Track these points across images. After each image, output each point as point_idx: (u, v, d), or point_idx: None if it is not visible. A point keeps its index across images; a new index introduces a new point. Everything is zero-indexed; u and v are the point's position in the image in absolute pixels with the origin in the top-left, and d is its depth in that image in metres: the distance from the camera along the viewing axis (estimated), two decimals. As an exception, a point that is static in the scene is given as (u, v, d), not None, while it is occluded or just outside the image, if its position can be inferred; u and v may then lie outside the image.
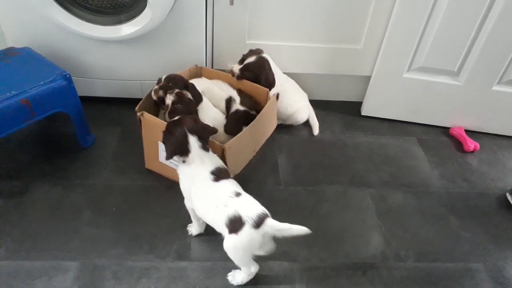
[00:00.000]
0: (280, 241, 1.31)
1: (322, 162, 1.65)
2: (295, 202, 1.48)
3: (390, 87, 1.78)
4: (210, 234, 1.33)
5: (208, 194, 1.17)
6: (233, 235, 1.10)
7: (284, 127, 1.76)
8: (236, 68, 1.58)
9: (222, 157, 1.31)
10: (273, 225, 1.10)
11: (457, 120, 1.85)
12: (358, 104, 1.94)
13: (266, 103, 1.52)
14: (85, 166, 1.52)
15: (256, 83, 1.57)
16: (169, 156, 1.19)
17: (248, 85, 1.58)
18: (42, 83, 1.35)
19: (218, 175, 1.19)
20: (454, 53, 1.66)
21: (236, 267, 1.22)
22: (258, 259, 1.23)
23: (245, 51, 1.65)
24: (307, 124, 1.81)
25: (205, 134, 1.22)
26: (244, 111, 1.53)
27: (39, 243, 1.27)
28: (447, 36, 1.61)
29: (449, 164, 1.70)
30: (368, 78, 1.83)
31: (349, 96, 1.97)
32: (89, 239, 1.29)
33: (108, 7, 1.58)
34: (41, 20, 1.52)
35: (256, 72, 1.57)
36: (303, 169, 1.61)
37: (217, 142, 1.28)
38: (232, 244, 1.12)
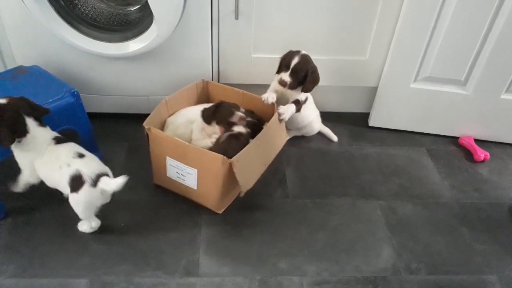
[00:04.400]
0: (292, 254, 1.30)
1: (330, 174, 1.64)
2: (304, 214, 1.47)
3: (397, 98, 1.78)
4: (218, 249, 1.32)
5: (53, 158, 1.24)
6: (74, 194, 1.22)
7: (291, 140, 1.76)
8: (286, 76, 1.51)
9: (230, 171, 1.31)
10: (108, 183, 1.21)
11: (466, 129, 1.83)
12: (366, 115, 1.93)
13: (271, 117, 1.51)
14: (93, 182, 1.53)
15: (303, 83, 1.53)
16: (10, 142, 1.20)
17: (253, 101, 1.59)
18: (50, 100, 1.37)
19: (58, 139, 1.27)
20: (460, 62, 1.65)
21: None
22: (267, 276, 1.22)
23: (251, 65, 1.66)
24: (314, 136, 1.81)
25: (38, 114, 1.26)
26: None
27: (48, 261, 1.27)
28: (453, 45, 1.60)
29: (459, 174, 1.68)
30: (374, 89, 1.82)
31: (356, 107, 1.97)
32: (98, 256, 1.29)
33: (115, 24, 1.61)
34: (49, 39, 1.55)
35: (304, 70, 1.51)
36: (311, 182, 1.60)
37: (223, 157, 1.28)
38: (74, 201, 1.24)
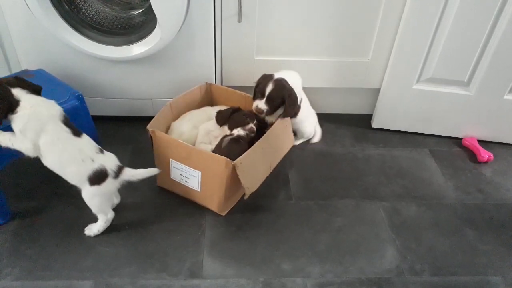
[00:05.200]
0: (296, 256, 1.30)
1: (333, 175, 1.64)
2: (307, 216, 1.47)
3: (400, 99, 1.78)
4: (222, 251, 1.33)
5: (75, 149, 1.24)
6: (96, 186, 1.26)
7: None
8: (261, 104, 1.47)
9: (234, 174, 1.31)
10: (129, 174, 1.30)
11: (470, 130, 1.83)
12: (368, 117, 1.93)
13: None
14: (98, 184, 1.53)
15: (280, 106, 1.51)
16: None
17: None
18: (55, 104, 1.38)
19: (74, 128, 1.26)
20: (463, 63, 1.65)
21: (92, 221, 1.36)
22: (270, 278, 1.22)
23: (254, 68, 1.66)
24: (317, 138, 1.81)
25: (26, 86, 1.23)
26: None
27: (54, 263, 1.28)
28: (456, 46, 1.60)
29: (463, 175, 1.68)
30: (377, 90, 1.82)
31: (359, 109, 1.97)
32: (102, 258, 1.30)
33: (119, 28, 1.62)
34: (54, 43, 1.56)
35: (280, 96, 1.47)
36: (314, 183, 1.60)
37: (227, 159, 1.28)
38: (95, 193, 1.27)
